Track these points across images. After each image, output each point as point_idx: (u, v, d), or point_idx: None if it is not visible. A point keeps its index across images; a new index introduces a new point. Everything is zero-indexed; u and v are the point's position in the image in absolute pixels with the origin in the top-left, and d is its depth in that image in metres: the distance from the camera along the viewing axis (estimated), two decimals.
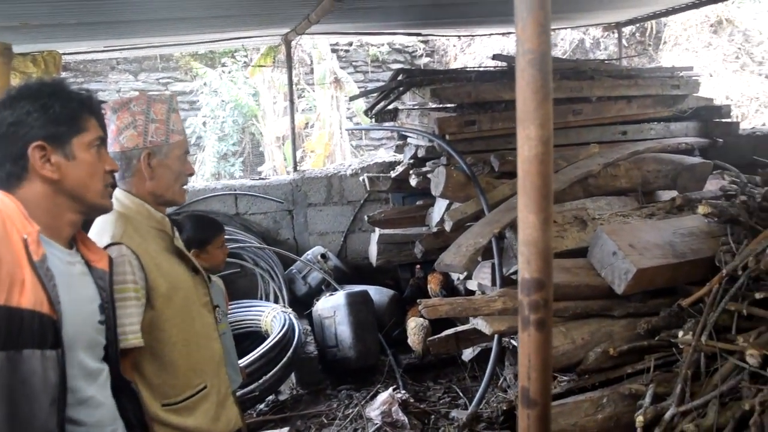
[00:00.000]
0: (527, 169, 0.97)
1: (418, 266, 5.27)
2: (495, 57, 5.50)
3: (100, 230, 1.91)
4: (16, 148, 1.47)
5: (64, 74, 9.49)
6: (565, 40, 10.32)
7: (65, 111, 1.52)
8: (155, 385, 1.97)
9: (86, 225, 1.96)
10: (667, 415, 2.82)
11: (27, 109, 1.48)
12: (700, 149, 5.18)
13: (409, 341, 4.75)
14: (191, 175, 2.14)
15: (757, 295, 2.96)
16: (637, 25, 9.25)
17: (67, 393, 1.43)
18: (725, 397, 2.78)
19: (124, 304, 1.83)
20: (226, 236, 5.40)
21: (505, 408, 3.33)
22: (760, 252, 2.94)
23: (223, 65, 10.54)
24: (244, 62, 10.41)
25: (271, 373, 4.10)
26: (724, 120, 5.40)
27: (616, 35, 7.27)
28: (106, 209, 1.66)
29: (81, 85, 9.74)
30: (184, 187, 2.13)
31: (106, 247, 1.84)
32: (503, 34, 8.27)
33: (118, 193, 2.02)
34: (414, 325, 4.73)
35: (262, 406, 4.33)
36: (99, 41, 5.73)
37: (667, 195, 4.44)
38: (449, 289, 4.77)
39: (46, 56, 5.67)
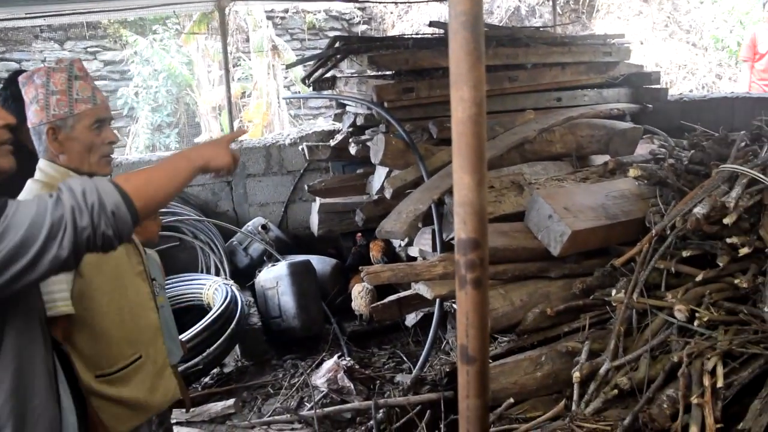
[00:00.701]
0: (461, 131, 0.98)
1: (359, 234, 5.29)
2: (432, 24, 5.49)
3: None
4: None
5: None
6: (501, 8, 10.39)
7: None
8: (88, 355, 1.94)
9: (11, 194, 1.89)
10: (602, 369, 2.93)
11: None
12: (631, 115, 5.33)
13: (355, 305, 4.78)
14: (112, 143, 2.03)
15: (685, 254, 3.10)
16: None
17: None
18: (656, 351, 2.91)
19: None
20: (163, 210, 5.32)
21: (447, 370, 3.40)
22: (687, 212, 3.07)
23: (155, 33, 10.19)
24: (177, 30, 10.09)
25: (214, 345, 4.07)
26: (653, 86, 5.56)
27: (551, 3, 7.36)
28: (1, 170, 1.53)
29: (3, 54, 9.29)
30: (109, 156, 2.03)
31: None
32: (440, 0, 8.26)
33: (42, 164, 1.95)
34: (360, 290, 4.76)
35: (207, 379, 4.30)
36: (20, 7, 5.46)
37: (600, 159, 4.57)
38: (391, 255, 4.81)
39: None
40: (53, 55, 9.74)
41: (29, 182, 1.93)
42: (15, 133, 2.42)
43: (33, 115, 1.90)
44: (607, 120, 4.81)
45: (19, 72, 2.86)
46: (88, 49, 10.04)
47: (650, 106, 5.43)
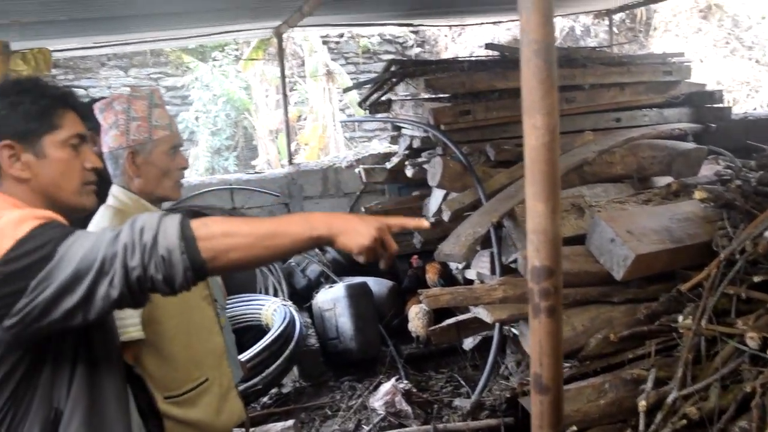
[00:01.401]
0: (535, 158, 0.98)
1: (414, 257, 5.29)
2: (488, 46, 5.50)
3: (96, 226, 1.91)
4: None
5: (54, 71, 9.47)
6: (555, 28, 10.31)
7: (35, 108, 1.44)
8: (156, 378, 1.98)
9: (86, 221, 1.97)
10: (669, 398, 2.84)
11: None
12: (693, 135, 5.21)
13: (411, 326, 4.77)
14: (184, 168, 2.10)
15: (755, 279, 2.99)
16: (627, 11, 9.25)
17: None
18: (726, 380, 2.81)
19: None
20: None
21: (508, 396, 3.35)
22: (757, 236, 2.97)
23: (214, 59, 10.49)
24: (235, 56, 10.37)
25: (273, 366, 4.11)
26: (716, 105, 5.42)
27: (607, 22, 7.28)
28: (83, 208, 1.55)
29: (72, 82, 9.69)
30: (180, 181, 2.11)
31: None
32: (494, 23, 8.27)
33: (115, 189, 2.03)
34: (417, 311, 4.75)
35: (265, 399, 4.34)
36: (89, 37, 5.71)
37: (662, 181, 4.46)
38: (447, 278, 4.79)
39: (37, 53, 5.64)
40: (118, 82, 10.13)
41: (102, 208, 2.01)
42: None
43: (112, 140, 1.98)
44: (669, 140, 4.71)
45: (92, 101, 3.00)
46: (151, 76, 10.40)
47: (713, 125, 5.29)
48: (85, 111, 1.59)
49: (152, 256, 1.22)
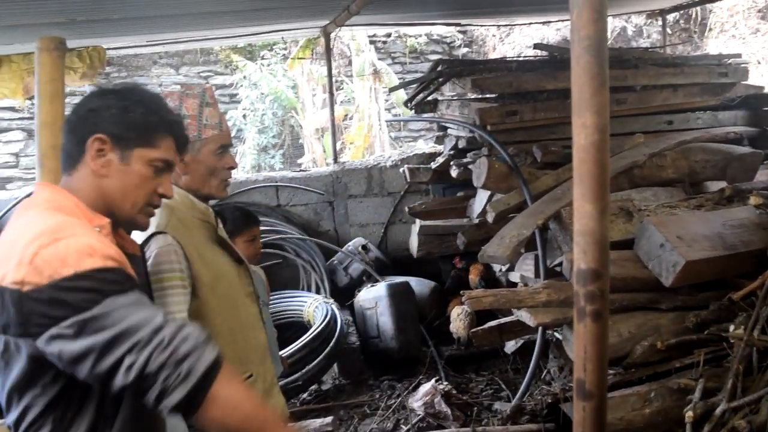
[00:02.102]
0: (583, 158, 0.96)
1: (457, 258, 5.25)
2: (536, 46, 5.43)
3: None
4: (83, 133, 1.48)
5: (108, 69, 9.72)
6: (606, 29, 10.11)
7: (143, 121, 1.49)
8: None
9: None
10: (718, 410, 2.75)
11: (110, 103, 1.49)
12: (749, 138, 5.04)
13: (453, 328, 4.74)
14: (231, 168, 2.11)
15: None
16: (682, 11, 9.01)
17: None
18: None
19: (172, 292, 1.85)
20: (267, 227, 5.49)
21: (549, 401, 3.29)
22: None
23: (263, 58, 10.61)
24: (283, 55, 10.47)
25: (314, 362, 4.14)
26: None
27: (660, 22, 7.11)
28: (135, 225, 1.59)
29: (124, 79, 9.92)
30: (227, 181, 2.11)
31: (150, 236, 1.86)
32: (543, 23, 8.15)
33: None
34: (459, 312, 4.72)
35: (305, 395, 4.37)
36: (141, 36, 5.83)
37: (715, 186, 4.33)
38: (490, 280, 4.74)
39: (92, 51, 5.80)
40: (169, 80, 10.33)
41: None
42: None
43: None
44: (724, 144, 4.57)
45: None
46: (201, 74, 10.58)
47: None
48: (184, 144, 1.64)
49: (175, 366, 1.26)
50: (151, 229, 1.85)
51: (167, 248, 1.87)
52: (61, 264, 1.25)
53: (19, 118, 9.65)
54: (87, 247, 1.28)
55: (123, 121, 1.48)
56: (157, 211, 1.94)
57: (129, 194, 1.50)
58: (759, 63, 9.42)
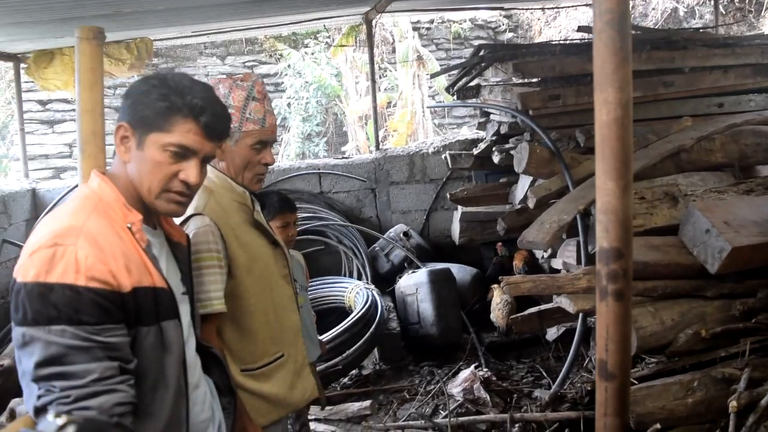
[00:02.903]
0: (605, 135, 0.94)
1: (499, 244, 5.21)
2: (580, 29, 5.31)
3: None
4: (118, 121, 1.55)
5: (156, 60, 9.91)
6: (656, 10, 9.84)
7: (157, 105, 1.48)
8: (235, 350, 2.05)
9: None
10: (764, 401, 2.68)
11: (135, 90, 1.53)
12: None
13: (493, 316, 4.71)
14: (267, 165, 2.13)
15: None
16: None
17: None
18: None
19: (209, 271, 1.91)
20: (310, 214, 5.55)
21: (589, 388, 3.25)
22: None
23: (306, 46, 10.67)
24: (327, 43, 10.51)
25: (354, 347, 4.17)
26: None
27: (712, 2, 6.87)
28: (157, 210, 1.56)
29: (172, 70, 10.11)
30: (262, 175, 2.14)
31: (189, 218, 1.90)
32: (589, 5, 7.98)
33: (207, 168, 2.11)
34: (498, 301, 4.68)
35: (345, 379, 4.42)
36: (187, 26, 5.93)
37: (766, 170, 4.19)
38: (533, 267, 4.69)
39: (139, 43, 5.93)
40: (215, 70, 10.48)
41: None
42: None
43: None
44: None
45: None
46: (246, 64, 10.70)
47: None
48: (214, 130, 1.55)
49: None
50: (189, 211, 1.89)
51: (205, 229, 1.92)
52: (46, 270, 1.30)
53: (72, 110, 9.94)
54: (77, 262, 1.32)
55: (140, 106, 1.50)
56: (197, 193, 1.99)
57: (144, 179, 1.51)
58: None
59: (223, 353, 1.92)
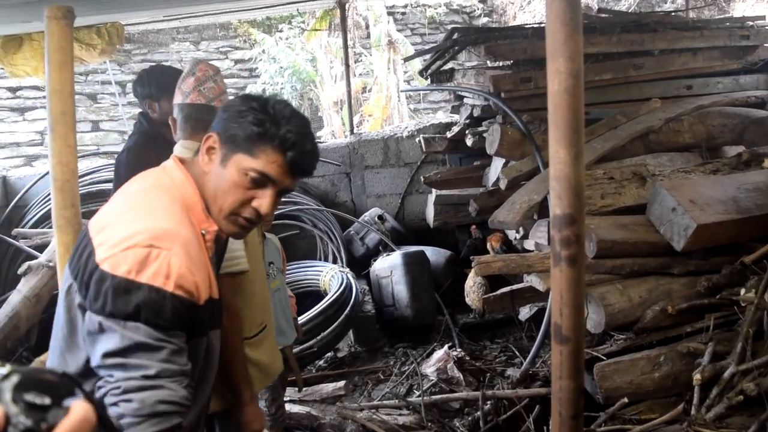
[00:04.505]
0: (557, 104, 0.96)
1: (474, 227, 5.25)
2: None
3: None
4: (209, 129, 1.55)
5: (128, 46, 9.78)
6: None
7: (250, 129, 1.46)
8: (242, 318, 2.12)
9: None
10: (727, 373, 2.76)
11: (234, 105, 1.52)
12: None
13: (468, 300, 4.76)
14: None
15: None
16: None
17: None
18: None
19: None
20: (285, 199, 5.52)
21: None
22: None
23: (280, 31, 10.59)
24: (301, 28, 10.44)
25: (329, 329, 4.19)
26: None
27: None
28: (219, 227, 1.54)
29: (145, 56, 9.99)
30: None
31: None
32: None
33: (183, 143, 2.19)
34: (472, 284, 4.73)
35: (321, 362, 4.44)
36: (158, 10, 5.85)
37: (733, 151, 4.27)
38: (510, 248, 4.74)
39: (110, 28, 5.84)
40: (189, 56, 10.36)
41: None
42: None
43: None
44: (742, 108, 4.48)
45: (158, 67, 3.15)
46: (220, 49, 10.59)
47: None
48: (298, 166, 1.51)
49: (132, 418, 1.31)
50: None
51: None
52: (137, 269, 1.32)
53: (43, 97, 9.75)
54: (169, 268, 1.34)
55: (234, 124, 1.48)
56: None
57: (218, 196, 1.50)
58: None
59: (239, 314, 2.01)
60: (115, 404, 1.30)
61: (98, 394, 1.32)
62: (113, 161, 3.89)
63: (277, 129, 1.46)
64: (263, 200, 1.49)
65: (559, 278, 1.01)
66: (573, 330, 1.03)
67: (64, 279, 1.46)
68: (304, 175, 1.55)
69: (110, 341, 1.31)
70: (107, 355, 1.31)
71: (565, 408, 1.06)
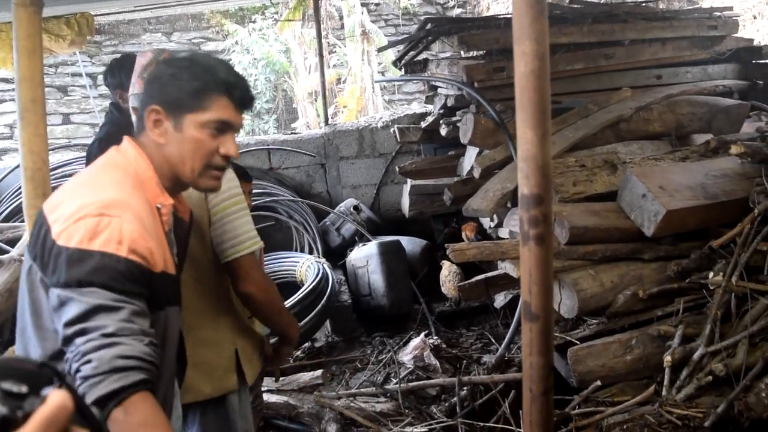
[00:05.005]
0: (524, 85, 0.98)
1: (456, 219, 5.28)
2: None
3: None
4: (144, 104, 1.55)
5: (99, 37, 9.64)
6: None
7: (190, 86, 1.51)
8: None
9: None
10: (696, 355, 2.82)
11: (162, 72, 1.55)
12: (739, 92, 5.01)
13: (444, 289, 4.79)
14: None
15: None
16: None
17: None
18: (755, 338, 2.77)
19: (246, 212, 2.02)
20: (260, 190, 5.52)
21: None
22: None
23: (253, 22, 10.52)
24: (274, 19, 10.38)
25: (305, 320, 4.20)
26: (764, 61, 5.21)
27: None
28: (199, 188, 1.63)
29: (116, 47, 9.86)
30: None
31: None
32: None
33: None
34: (447, 273, 4.76)
35: (298, 353, 4.45)
36: (129, 1, 5.79)
37: (702, 139, 4.34)
38: (485, 237, 4.77)
39: (79, 18, 5.76)
40: (160, 47, 10.26)
41: None
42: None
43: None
44: (710, 97, 4.56)
45: (128, 56, 3.12)
46: (193, 41, 10.50)
47: (761, 82, 5.10)
48: (245, 101, 1.60)
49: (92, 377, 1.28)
50: None
51: (233, 175, 2.03)
52: (89, 237, 1.33)
53: (12, 90, 9.61)
54: (121, 234, 1.35)
55: (172, 89, 1.52)
56: None
57: (186, 160, 1.54)
58: (755, 18, 9.34)
59: (272, 284, 2.10)
60: (77, 370, 1.29)
61: (66, 369, 1.31)
62: (85, 154, 3.85)
63: (215, 77, 1.53)
64: (228, 145, 1.56)
65: (527, 257, 1.03)
66: (542, 308, 1.05)
67: (24, 263, 1.48)
68: (250, 108, 1.64)
69: (70, 310, 1.30)
70: (68, 324, 1.30)
71: (535, 384, 1.09)
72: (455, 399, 3.32)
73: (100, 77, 8.83)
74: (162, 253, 1.45)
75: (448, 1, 11.03)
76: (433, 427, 3.20)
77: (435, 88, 5.36)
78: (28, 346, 1.45)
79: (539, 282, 1.04)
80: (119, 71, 2.96)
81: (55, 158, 5.59)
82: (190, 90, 1.51)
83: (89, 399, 1.26)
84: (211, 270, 2.02)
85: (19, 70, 2.21)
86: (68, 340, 1.31)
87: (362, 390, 3.68)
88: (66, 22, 5.67)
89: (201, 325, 1.93)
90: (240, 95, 1.57)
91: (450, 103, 4.88)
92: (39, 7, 2.28)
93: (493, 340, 4.38)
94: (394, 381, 3.75)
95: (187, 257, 1.96)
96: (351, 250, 5.20)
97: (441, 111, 5.15)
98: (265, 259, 4.95)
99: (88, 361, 1.28)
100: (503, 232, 4.30)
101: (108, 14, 6.69)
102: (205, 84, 1.52)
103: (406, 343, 4.28)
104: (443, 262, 4.97)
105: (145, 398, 1.30)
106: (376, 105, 9.45)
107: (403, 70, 5.69)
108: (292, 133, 6.63)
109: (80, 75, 9.46)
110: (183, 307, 1.74)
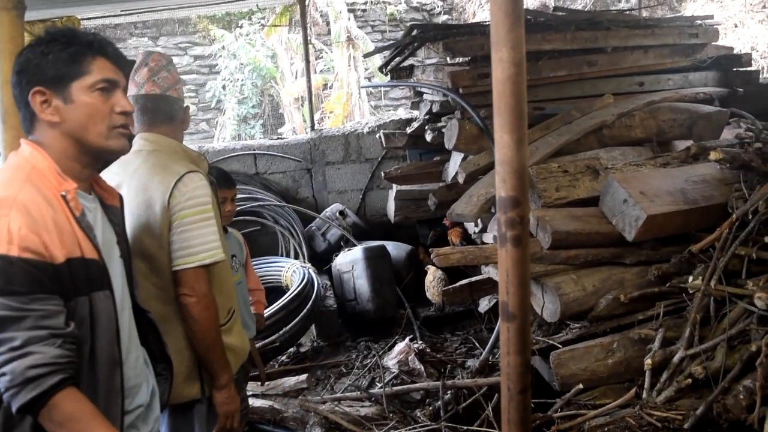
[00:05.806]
0: (501, 91, 1.01)
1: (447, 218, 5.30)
2: None
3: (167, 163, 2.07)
4: (24, 93, 1.53)
5: None
6: None
7: (64, 55, 1.52)
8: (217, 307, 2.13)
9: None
10: (676, 358, 2.86)
11: (28, 56, 1.53)
12: (719, 99, 5.09)
13: (429, 294, 4.82)
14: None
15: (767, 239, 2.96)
16: None
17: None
18: (734, 341, 2.81)
19: (211, 222, 2.01)
20: (246, 195, 5.52)
21: None
22: None
23: (240, 27, 10.53)
24: (261, 24, 10.39)
25: (291, 324, 4.20)
26: (744, 69, 5.30)
27: None
28: (110, 151, 1.61)
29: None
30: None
31: (183, 175, 1.99)
32: None
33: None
34: (432, 279, 4.79)
35: (283, 357, 4.45)
36: (115, 4, 5.78)
37: (683, 145, 4.40)
38: (470, 243, 4.81)
39: (65, 21, 5.75)
40: (148, 50, 10.23)
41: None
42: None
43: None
44: (691, 104, 4.63)
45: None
46: (180, 45, 10.49)
47: (741, 89, 5.18)
48: (119, 57, 1.64)
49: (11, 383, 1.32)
50: (182, 170, 2.01)
51: (204, 182, 2.03)
52: None
53: None
54: (9, 233, 1.34)
55: (47, 65, 1.52)
56: (181, 152, 2.14)
57: (89, 126, 1.54)
58: (736, 26, 9.47)
59: (214, 303, 2.03)
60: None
61: None
62: None
63: (81, 41, 1.55)
64: (121, 100, 1.59)
65: (505, 258, 1.06)
66: (519, 307, 1.08)
67: None
68: (127, 65, 1.69)
69: None
70: None
71: (513, 383, 1.11)
72: (439, 403, 3.34)
73: None
74: (65, 242, 1.43)
75: (435, 8, 11.10)
76: (417, 430, 3.21)
77: (421, 94, 5.39)
78: None
79: (516, 282, 1.06)
80: None
81: None
82: (66, 59, 1.52)
83: (13, 409, 1.32)
84: (173, 277, 2.01)
85: (2, 73, 2.21)
86: None
87: (347, 394, 3.69)
88: (51, 26, 5.66)
89: (163, 332, 1.90)
90: (113, 51, 1.61)
91: (435, 108, 4.92)
92: (21, 10, 2.29)
93: (477, 344, 4.41)
94: (379, 385, 3.77)
95: (148, 264, 1.98)
96: (336, 255, 5.21)
97: (426, 117, 5.18)
98: (252, 263, 4.97)
99: (3, 374, 1.31)
100: (487, 238, 4.33)
101: (94, 18, 6.65)
102: (78, 50, 1.53)
103: (390, 348, 4.30)
104: (428, 267, 5.00)
105: (67, 395, 1.35)
106: (362, 110, 9.48)
107: (389, 76, 5.73)
108: (278, 138, 6.64)
109: None
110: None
